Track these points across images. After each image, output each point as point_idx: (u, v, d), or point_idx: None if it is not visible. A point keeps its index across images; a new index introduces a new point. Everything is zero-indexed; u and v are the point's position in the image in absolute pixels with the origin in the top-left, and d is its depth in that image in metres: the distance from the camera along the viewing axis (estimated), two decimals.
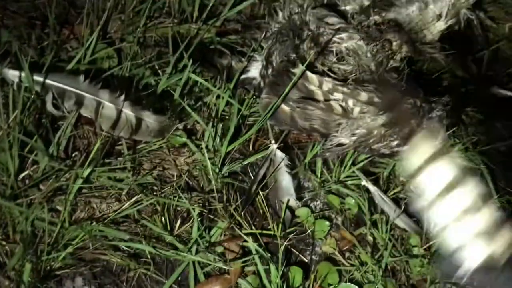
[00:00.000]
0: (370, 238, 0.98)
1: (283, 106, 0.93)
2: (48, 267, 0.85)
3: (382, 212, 1.01)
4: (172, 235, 0.91)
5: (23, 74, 0.92)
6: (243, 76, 1.03)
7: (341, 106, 0.89)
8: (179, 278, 0.90)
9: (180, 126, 1.00)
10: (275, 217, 0.97)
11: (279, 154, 1.01)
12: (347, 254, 0.98)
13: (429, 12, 0.96)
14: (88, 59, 1.00)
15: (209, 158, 0.97)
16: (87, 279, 0.88)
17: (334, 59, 0.93)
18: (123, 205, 0.92)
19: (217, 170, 0.98)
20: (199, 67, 1.01)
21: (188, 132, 1.02)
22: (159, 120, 0.96)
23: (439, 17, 0.96)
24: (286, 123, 0.96)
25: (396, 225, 1.00)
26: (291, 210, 0.99)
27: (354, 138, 0.90)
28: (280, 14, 1.02)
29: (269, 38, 1.03)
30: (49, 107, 0.92)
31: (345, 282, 0.92)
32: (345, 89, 0.88)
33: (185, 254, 0.89)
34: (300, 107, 0.92)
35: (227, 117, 1.04)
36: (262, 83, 1.01)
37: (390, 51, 0.93)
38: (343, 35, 0.93)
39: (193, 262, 0.90)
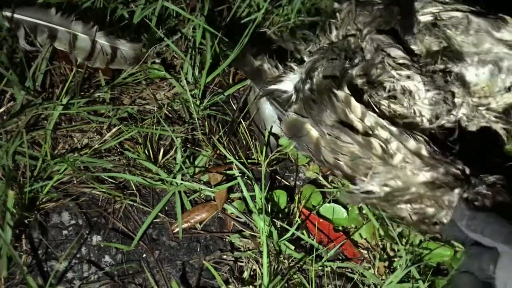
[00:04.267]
0: None
1: (312, 130, 0.84)
2: (32, 198, 0.85)
3: None
4: (156, 166, 0.91)
5: None
6: (274, 87, 0.93)
7: (381, 147, 0.78)
8: (166, 208, 0.91)
9: (158, 60, 0.99)
10: (258, 145, 0.98)
11: None
12: (330, 178, 1.00)
13: (498, 80, 0.84)
14: None
15: (189, 90, 0.96)
16: (73, 213, 0.89)
17: (385, 95, 0.82)
18: (104, 138, 0.91)
19: (198, 102, 0.98)
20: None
21: (167, 66, 1.01)
22: (134, 47, 0.96)
23: (508, 89, 0.85)
24: (309, 149, 0.86)
25: None
26: (276, 137, 0.99)
27: (387, 189, 0.78)
28: (334, 32, 0.92)
29: (315, 53, 0.91)
30: (22, 42, 0.90)
31: (329, 202, 0.94)
32: (393, 129, 0.78)
33: (171, 181, 0.90)
34: (332, 135, 0.80)
35: (204, 51, 1.03)
36: (294, 97, 0.90)
37: (451, 106, 0.83)
38: (404, 72, 0.82)
39: (179, 192, 0.91)
